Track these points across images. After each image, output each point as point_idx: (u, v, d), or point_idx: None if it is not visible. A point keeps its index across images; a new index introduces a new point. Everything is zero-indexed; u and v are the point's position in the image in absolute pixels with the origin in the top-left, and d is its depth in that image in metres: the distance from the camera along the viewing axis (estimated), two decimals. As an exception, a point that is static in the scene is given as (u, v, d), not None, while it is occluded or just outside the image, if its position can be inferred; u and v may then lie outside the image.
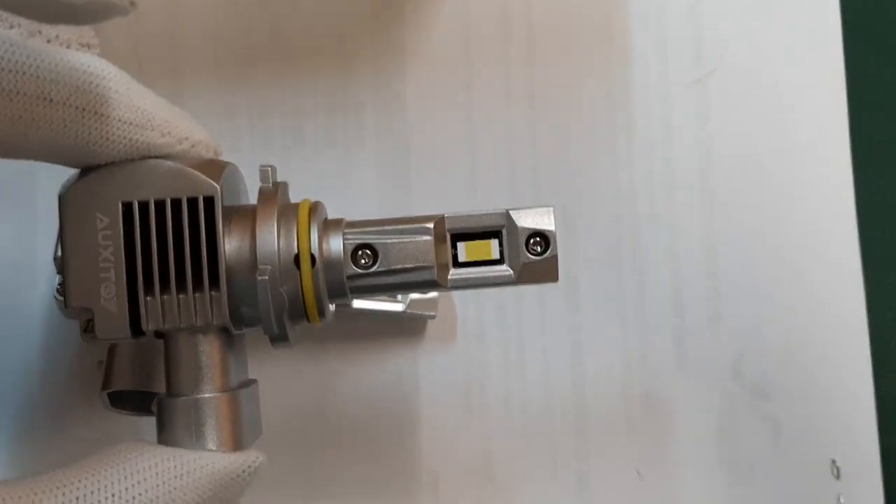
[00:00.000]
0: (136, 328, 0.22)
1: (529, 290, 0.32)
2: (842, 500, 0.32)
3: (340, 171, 0.32)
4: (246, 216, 0.23)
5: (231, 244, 0.22)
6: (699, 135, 0.33)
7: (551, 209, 0.23)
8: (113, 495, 0.20)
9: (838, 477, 0.32)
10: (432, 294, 0.30)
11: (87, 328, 0.23)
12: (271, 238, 0.22)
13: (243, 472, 0.22)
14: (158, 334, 0.22)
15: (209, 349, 0.22)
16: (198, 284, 0.22)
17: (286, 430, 0.30)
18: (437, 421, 0.31)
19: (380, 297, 0.30)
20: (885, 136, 0.34)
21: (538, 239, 0.23)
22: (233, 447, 0.22)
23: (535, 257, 0.23)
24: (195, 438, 0.22)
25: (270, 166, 0.23)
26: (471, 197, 0.32)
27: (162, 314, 0.22)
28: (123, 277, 0.22)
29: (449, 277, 0.23)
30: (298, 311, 0.23)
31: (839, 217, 0.33)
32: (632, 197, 0.32)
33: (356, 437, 0.31)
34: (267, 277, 0.22)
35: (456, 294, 0.32)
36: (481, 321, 0.32)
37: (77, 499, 0.19)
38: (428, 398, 0.31)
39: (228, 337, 0.23)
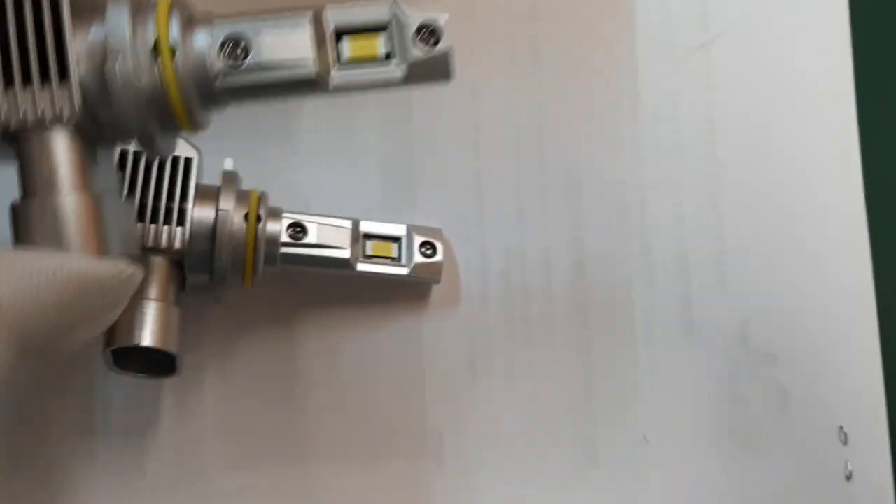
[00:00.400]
0: None
1: (534, 253, 0.32)
2: (849, 466, 0.31)
3: (343, 127, 0.32)
4: (99, 4, 0.21)
5: (82, 33, 0.20)
6: (705, 99, 0.33)
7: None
8: None
9: (846, 443, 0.31)
10: (437, 258, 0.30)
11: None
12: (123, 23, 0.20)
13: (111, 277, 0.20)
14: (12, 139, 0.20)
15: (64, 148, 0.20)
16: (44, 76, 0.20)
17: (290, 394, 0.30)
18: (441, 386, 0.31)
19: (382, 263, 0.30)
20: (892, 100, 0.34)
21: (429, 33, 0.21)
22: (97, 252, 0.20)
23: (423, 55, 0.21)
24: (53, 242, 0.20)
25: None
26: (474, 160, 0.32)
27: (8, 109, 0.20)
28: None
29: (331, 77, 0.21)
30: (164, 111, 0.21)
31: (846, 182, 0.32)
32: (637, 162, 0.32)
33: (360, 402, 0.31)
34: (118, 66, 0.20)
35: (461, 260, 0.31)
36: (485, 287, 0.31)
37: None
38: (432, 363, 0.31)
39: (87, 139, 0.21)
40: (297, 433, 0.31)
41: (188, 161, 0.27)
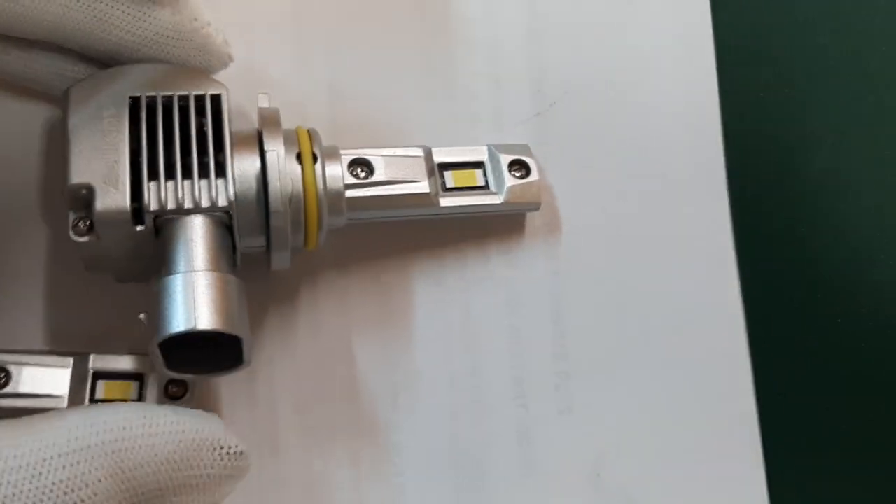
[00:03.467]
0: (136, 213, 0.22)
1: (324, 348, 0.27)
2: None
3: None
4: (250, 135, 0.24)
5: (238, 145, 0.24)
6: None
7: (527, 144, 0.27)
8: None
9: None
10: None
11: (79, 223, 0.22)
12: (278, 142, 0.24)
13: (220, 448, 0.20)
14: (159, 227, 0.23)
15: (204, 233, 0.22)
16: (203, 173, 0.23)
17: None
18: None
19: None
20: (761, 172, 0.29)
21: (521, 167, 0.27)
22: (224, 325, 0.21)
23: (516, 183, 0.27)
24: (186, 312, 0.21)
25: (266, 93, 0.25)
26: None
27: (166, 197, 0.22)
28: (127, 161, 0.22)
29: (440, 196, 0.26)
30: (298, 215, 0.24)
31: (717, 262, 0.28)
32: (459, 252, 0.28)
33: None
34: (271, 164, 0.23)
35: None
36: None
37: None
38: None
39: (223, 228, 0.23)
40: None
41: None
